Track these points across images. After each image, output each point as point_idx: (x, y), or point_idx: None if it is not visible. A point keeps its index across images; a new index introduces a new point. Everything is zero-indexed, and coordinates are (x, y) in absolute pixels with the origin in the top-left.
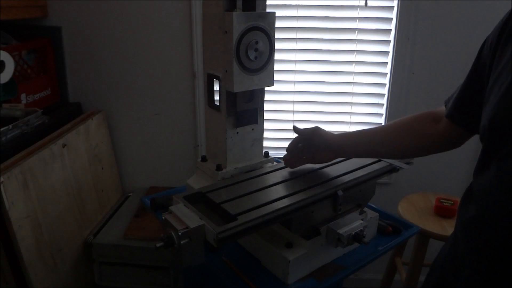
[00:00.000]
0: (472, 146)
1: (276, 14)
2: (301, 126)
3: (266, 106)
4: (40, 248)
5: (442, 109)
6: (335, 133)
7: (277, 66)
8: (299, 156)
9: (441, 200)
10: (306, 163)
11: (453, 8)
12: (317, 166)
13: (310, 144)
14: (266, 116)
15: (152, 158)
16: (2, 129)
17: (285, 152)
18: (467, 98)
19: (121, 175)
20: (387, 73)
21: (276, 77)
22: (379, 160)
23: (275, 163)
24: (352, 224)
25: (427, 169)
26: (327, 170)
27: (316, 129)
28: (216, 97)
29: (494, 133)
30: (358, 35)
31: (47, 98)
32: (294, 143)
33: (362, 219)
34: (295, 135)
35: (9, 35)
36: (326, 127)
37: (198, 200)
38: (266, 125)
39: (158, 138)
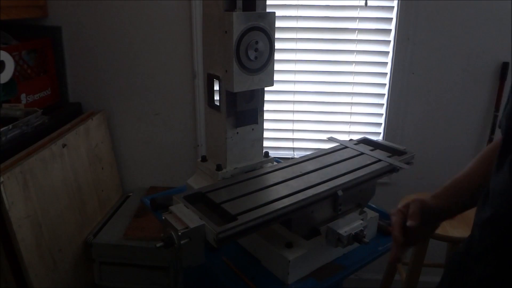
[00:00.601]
0: (472, 146)
1: (276, 14)
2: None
3: (266, 106)
4: (40, 248)
5: None
6: (429, 196)
7: (277, 66)
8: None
9: None
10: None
11: (453, 8)
12: (317, 166)
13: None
14: (266, 116)
15: (152, 158)
16: (2, 129)
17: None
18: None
19: (121, 175)
20: (387, 73)
21: (276, 77)
22: (379, 160)
23: (275, 163)
24: (352, 224)
25: (427, 169)
26: (327, 170)
27: (419, 203)
28: (216, 97)
29: (509, 131)
30: (358, 35)
31: (47, 98)
32: (401, 228)
33: (362, 219)
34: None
35: (9, 35)
36: (326, 127)
37: (198, 200)
38: (266, 125)
39: (158, 138)
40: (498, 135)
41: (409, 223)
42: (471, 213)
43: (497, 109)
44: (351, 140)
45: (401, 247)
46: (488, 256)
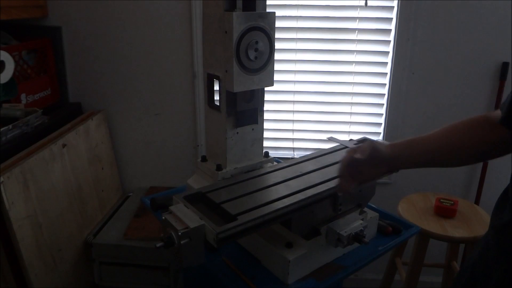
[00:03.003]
0: None
1: (276, 14)
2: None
3: (266, 106)
4: (40, 248)
5: (497, 112)
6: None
7: (277, 66)
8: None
9: (441, 200)
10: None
11: (453, 8)
12: (317, 166)
13: (366, 160)
14: (266, 116)
15: (152, 158)
16: (2, 129)
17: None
18: None
19: (121, 175)
20: (387, 73)
21: (276, 77)
22: None
23: (275, 163)
24: (352, 224)
25: (427, 169)
26: (327, 170)
27: (372, 142)
28: (216, 97)
29: None
30: (358, 35)
31: (47, 98)
32: (349, 160)
33: (362, 219)
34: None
35: (9, 35)
36: (326, 127)
37: (198, 200)
38: (266, 125)
39: (158, 138)
40: None
41: (356, 155)
42: (471, 213)
43: (497, 109)
44: (351, 140)
45: (348, 180)
46: (506, 260)
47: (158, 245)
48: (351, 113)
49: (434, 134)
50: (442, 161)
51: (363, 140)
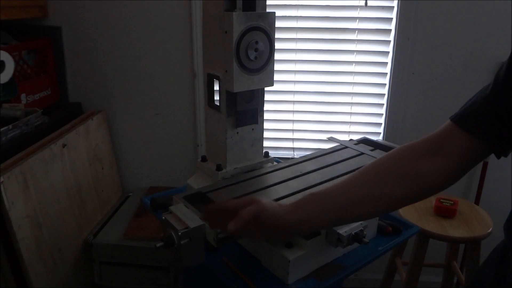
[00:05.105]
0: None
1: (276, 14)
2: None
3: (266, 106)
4: (40, 248)
5: (417, 142)
6: (281, 203)
7: (277, 66)
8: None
9: (441, 200)
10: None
11: (453, 8)
12: (317, 166)
13: (258, 222)
14: (266, 116)
15: (152, 158)
16: (2, 129)
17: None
18: (489, 108)
19: (121, 175)
20: (387, 73)
21: (276, 77)
22: None
23: (275, 163)
24: (352, 224)
25: None
26: (327, 170)
27: (261, 204)
28: (216, 97)
29: None
30: (358, 35)
31: (47, 98)
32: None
33: None
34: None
35: (9, 35)
36: (326, 127)
37: (198, 200)
38: (266, 125)
39: (158, 138)
40: None
41: (229, 226)
42: (471, 213)
43: None
44: (351, 140)
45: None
46: None
47: (158, 245)
48: (351, 113)
49: (346, 180)
50: (364, 214)
51: (363, 140)
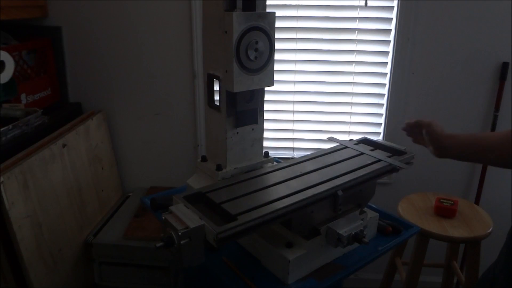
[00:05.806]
0: None
1: (276, 14)
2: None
3: (266, 106)
4: (40, 248)
5: None
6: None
7: (277, 66)
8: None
9: (441, 200)
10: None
11: (453, 8)
12: (317, 166)
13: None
14: (266, 116)
15: (152, 158)
16: (2, 129)
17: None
18: None
19: (121, 175)
20: (387, 73)
21: (276, 77)
22: (379, 160)
23: (275, 163)
24: (352, 224)
25: (427, 169)
26: (327, 170)
27: (434, 122)
28: (216, 97)
29: None
30: (358, 35)
31: (47, 98)
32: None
33: (362, 219)
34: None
35: (9, 35)
36: (326, 127)
37: (198, 200)
38: (266, 125)
39: (158, 138)
40: None
41: (436, 127)
42: (471, 213)
43: (497, 109)
44: (351, 140)
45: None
46: None
47: (158, 245)
48: (351, 113)
49: (492, 134)
50: (491, 159)
51: (363, 140)
